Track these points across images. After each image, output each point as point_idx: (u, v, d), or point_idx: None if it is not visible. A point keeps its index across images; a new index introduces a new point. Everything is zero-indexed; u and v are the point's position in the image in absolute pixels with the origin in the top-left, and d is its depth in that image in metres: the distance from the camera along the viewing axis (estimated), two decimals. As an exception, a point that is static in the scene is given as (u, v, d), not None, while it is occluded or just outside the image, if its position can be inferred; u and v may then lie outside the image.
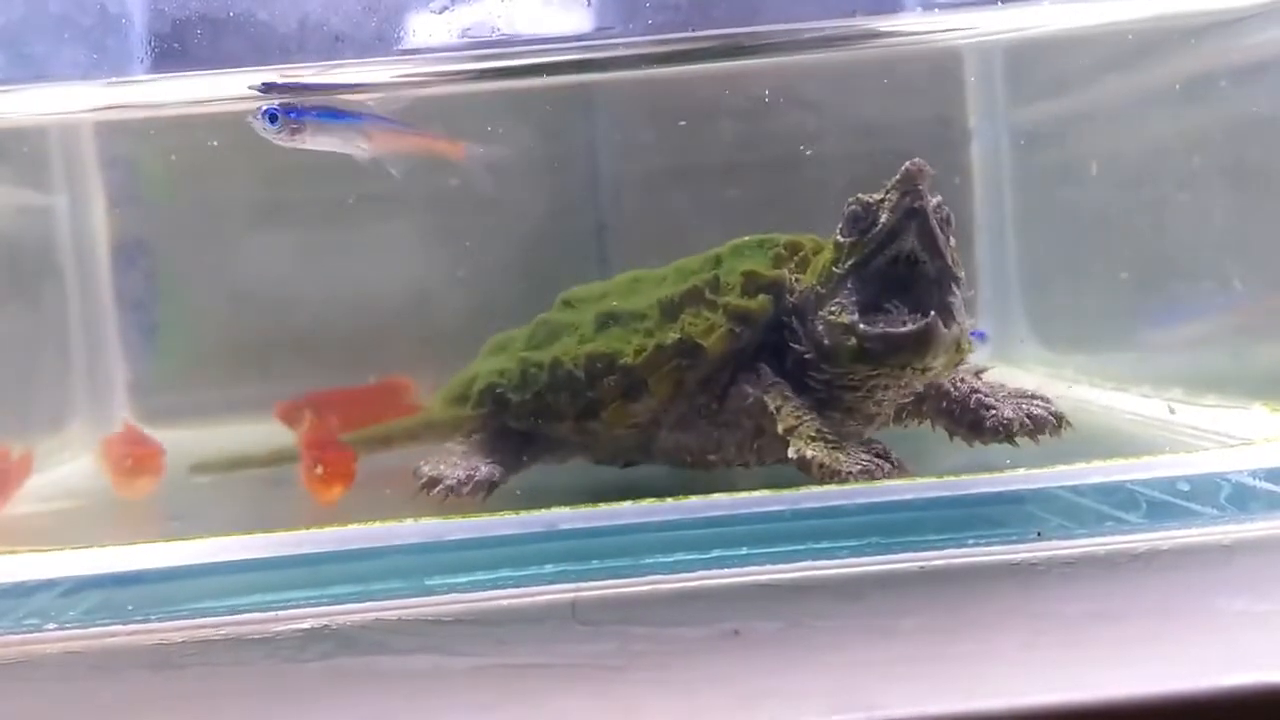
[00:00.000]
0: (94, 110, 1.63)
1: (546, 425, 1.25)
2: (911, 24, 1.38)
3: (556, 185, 1.82)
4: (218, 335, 1.86)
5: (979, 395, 1.17)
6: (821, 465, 1.04)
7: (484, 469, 1.20)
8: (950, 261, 1.05)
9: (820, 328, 1.09)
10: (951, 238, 1.06)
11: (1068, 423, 1.16)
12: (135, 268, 1.89)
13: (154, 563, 1.00)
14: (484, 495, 1.18)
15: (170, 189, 1.85)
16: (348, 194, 1.69)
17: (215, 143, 1.58)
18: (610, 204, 1.84)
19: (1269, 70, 1.35)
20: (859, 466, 1.03)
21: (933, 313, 1.02)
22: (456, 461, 1.23)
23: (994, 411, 1.16)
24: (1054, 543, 0.99)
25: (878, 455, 1.05)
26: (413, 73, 1.32)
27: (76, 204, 1.81)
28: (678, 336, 1.16)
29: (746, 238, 1.24)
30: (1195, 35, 1.43)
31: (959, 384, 1.19)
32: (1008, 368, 1.73)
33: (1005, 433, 1.15)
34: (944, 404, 1.18)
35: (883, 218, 1.05)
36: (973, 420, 1.17)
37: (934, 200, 1.04)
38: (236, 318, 1.84)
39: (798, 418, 1.08)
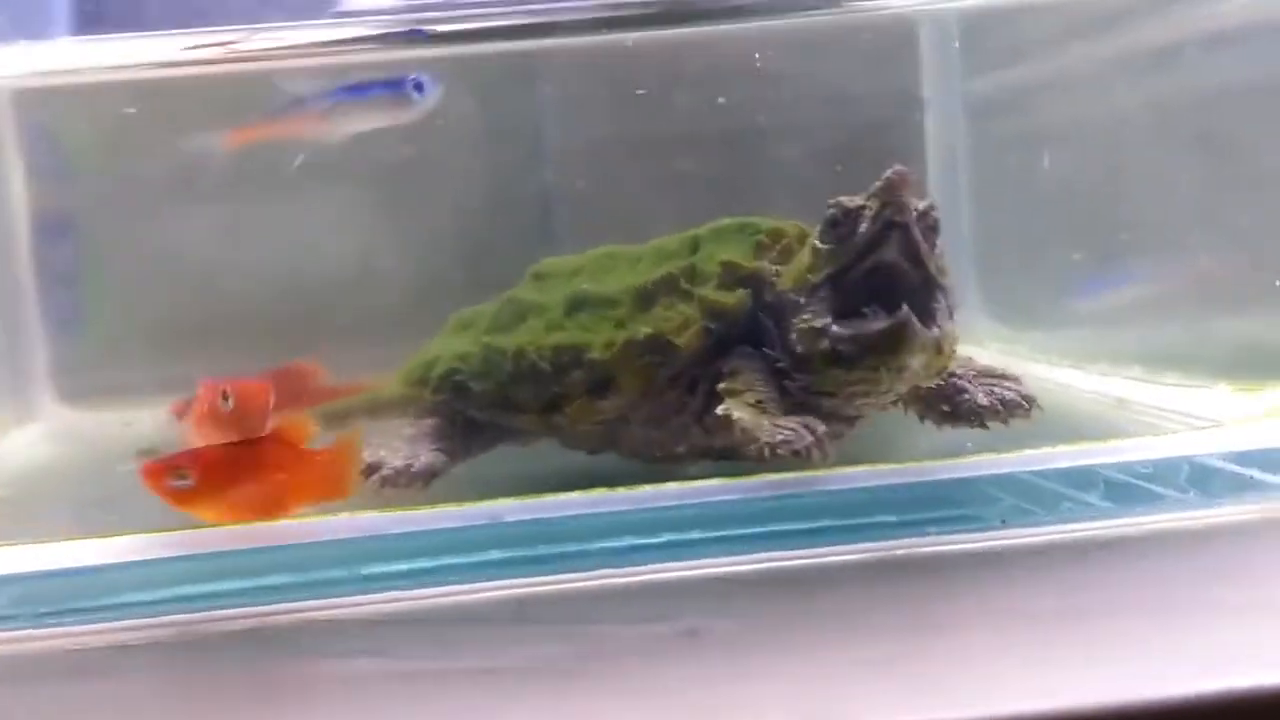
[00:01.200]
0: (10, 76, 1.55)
1: (508, 417, 1.19)
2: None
3: (502, 156, 1.75)
4: (148, 313, 1.77)
5: (953, 379, 1.13)
6: (744, 429, 0.98)
7: (425, 457, 1.14)
8: (934, 270, 1.00)
9: (793, 336, 1.04)
10: (937, 244, 1.01)
11: (1038, 405, 1.12)
12: (60, 243, 1.80)
13: (71, 561, 0.94)
14: (423, 484, 1.12)
15: (97, 160, 1.77)
16: (286, 165, 1.61)
17: (135, 110, 1.50)
18: (557, 176, 1.78)
19: (1227, 41, 1.32)
20: (781, 436, 0.97)
21: (905, 308, 0.97)
22: (399, 447, 1.17)
23: (967, 396, 1.12)
24: (1019, 530, 0.95)
25: (808, 428, 0.98)
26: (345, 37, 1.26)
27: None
28: (649, 332, 1.10)
29: (727, 220, 1.17)
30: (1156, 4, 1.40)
31: None
32: (962, 346, 1.71)
33: (978, 418, 1.11)
34: (917, 388, 1.14)
35: (863, 226, 0.99)
36: (945, 405, 1.13)
37: (922, 205, 0.99)
38: (167, 294, 1.76)
39: (746, 383, 1.04)
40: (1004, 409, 1.11)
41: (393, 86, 1.38)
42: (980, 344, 1.67)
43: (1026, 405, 1.12)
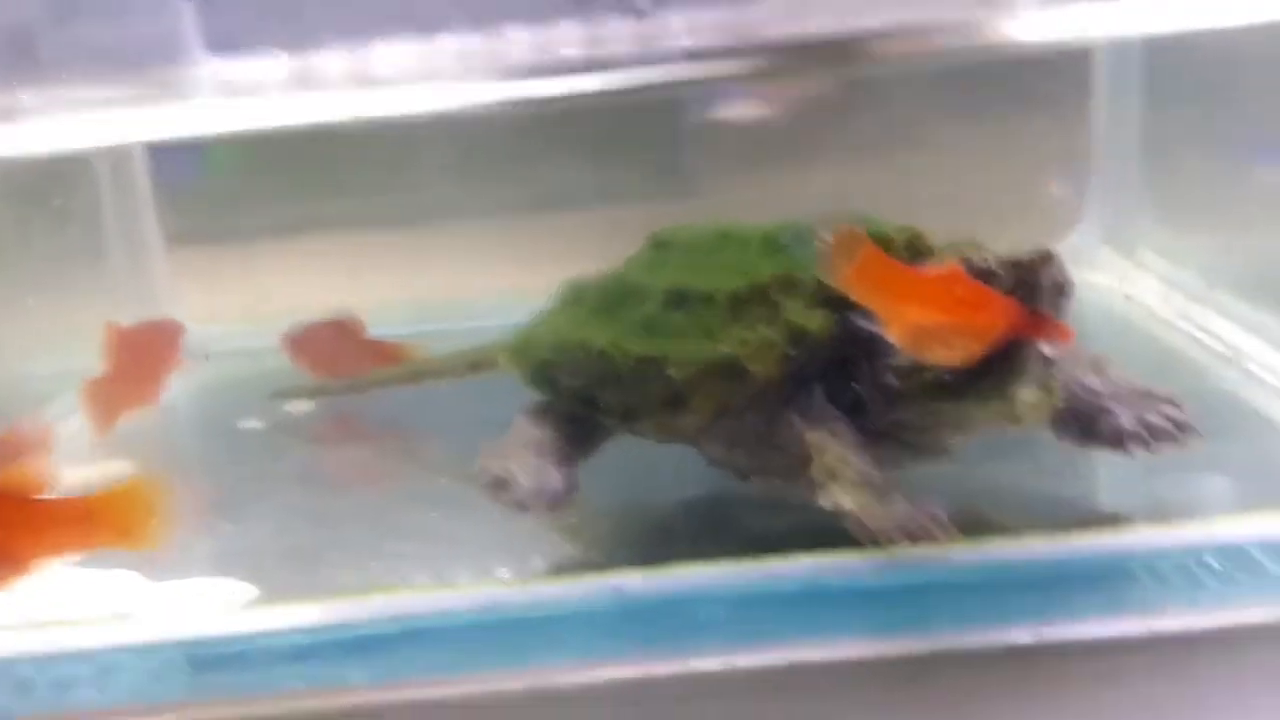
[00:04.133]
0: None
1: (596, 416, 1.13)
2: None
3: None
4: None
5: (1096, 395, 1.04)
6: (856, 519, 0.91)
7: (555, 476, 1.07)
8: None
9: (889, 376, 0.96)
10: (1065, 306, 0.90)
11: (1196, 432, 1.03)
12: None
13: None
14: (558, 510, 1.06)
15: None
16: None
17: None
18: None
19: None
20: (895, 523, 0.90)
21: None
22: (527, 459, 1.09)
23: (1110, 415, 1.03)
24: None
25: (925, 511, 0.92)
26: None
27: None
28: (725, 353, 1.02)
29: (838, 214, 1.07)
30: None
31: (1074, 380, 1.05)
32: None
33: (1119, 444, 1.03)
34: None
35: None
36: (1085, 423, 1.04)
37: (1056, 279, 0.89)
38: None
39: (841, 459, 0.95)
40: (1151, 436, 1.02)
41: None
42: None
43: (1181, 434, 1.02)
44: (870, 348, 0.97)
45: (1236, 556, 0.89)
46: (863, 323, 0.95)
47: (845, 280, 0.88)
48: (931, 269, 0.88)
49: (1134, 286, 1.59)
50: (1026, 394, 0.92)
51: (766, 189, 1.73)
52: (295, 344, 1.53)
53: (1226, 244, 1.49)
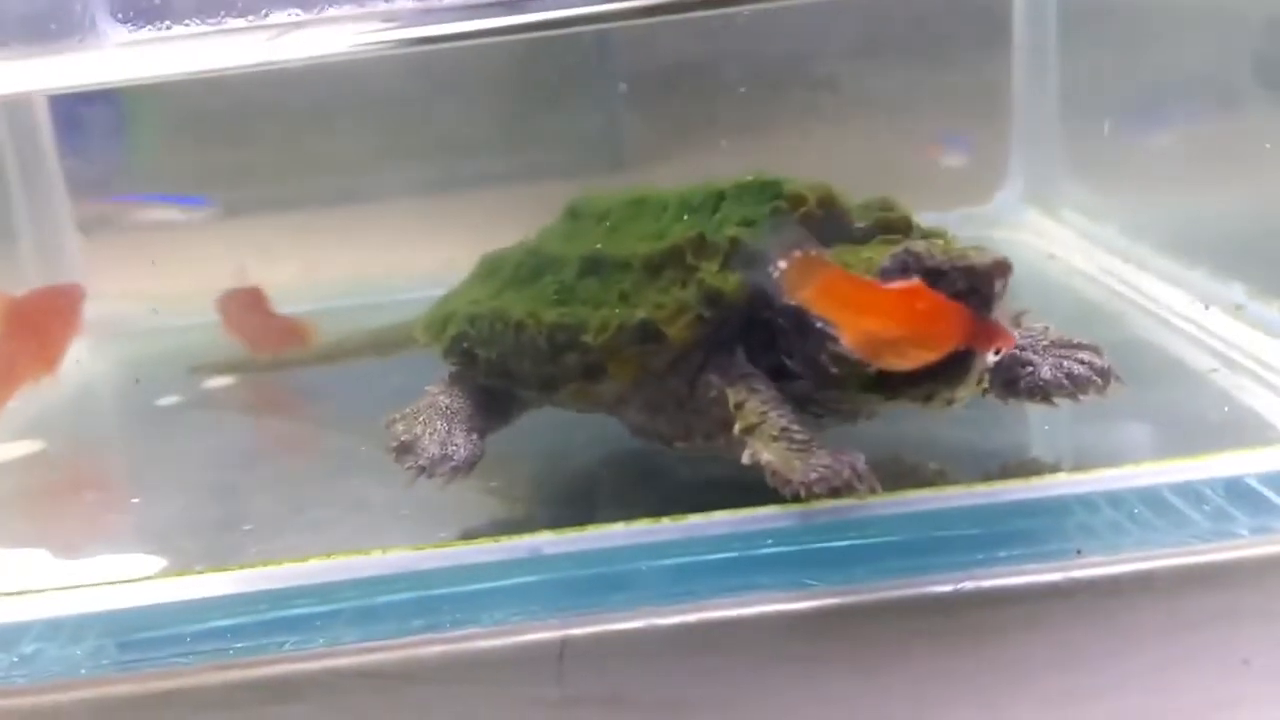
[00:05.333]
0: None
1: (512, 388, 1.12)
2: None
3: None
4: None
5: (1017, 350, 1.04)
6: (775, 471, 0.90)
7: (463, 446, 1.06)
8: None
9: (824, 356, 0.94)
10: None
11: (1118, 378, 1.03)
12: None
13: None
14: (463, 477, 1.04)
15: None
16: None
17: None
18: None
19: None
20: (815, 474, 0.88)
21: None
22: (436, 424, 1.09)
23: (1030, 369, 1.03)
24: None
25: (845, 463, 0.89)
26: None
27: None
28: (641, 317, 1.00)
29: (751, 177, 1.07)
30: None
31: None
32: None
33: (1042, 393, 1.03)
34: None
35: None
36: (1007, 377, 1.04)
37: (1004, 286, 0.89)
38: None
39: (761, 414, 0.94)
40: (1072, 384, 1.02)
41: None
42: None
43: (1101, 381, 1.02)
44: (801, 321, 0.96)
45: (1154, 501, 0.89)
46: (812, 318, 0.93)
47: (805, 299, 0.87)
48: (892, 283, 0.87)
49: (1057, 245, 1.60)
50: (962, 393, 0.93)
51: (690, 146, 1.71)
52: (224, 305, 1.51)
53: (1144, 200, 1.50)
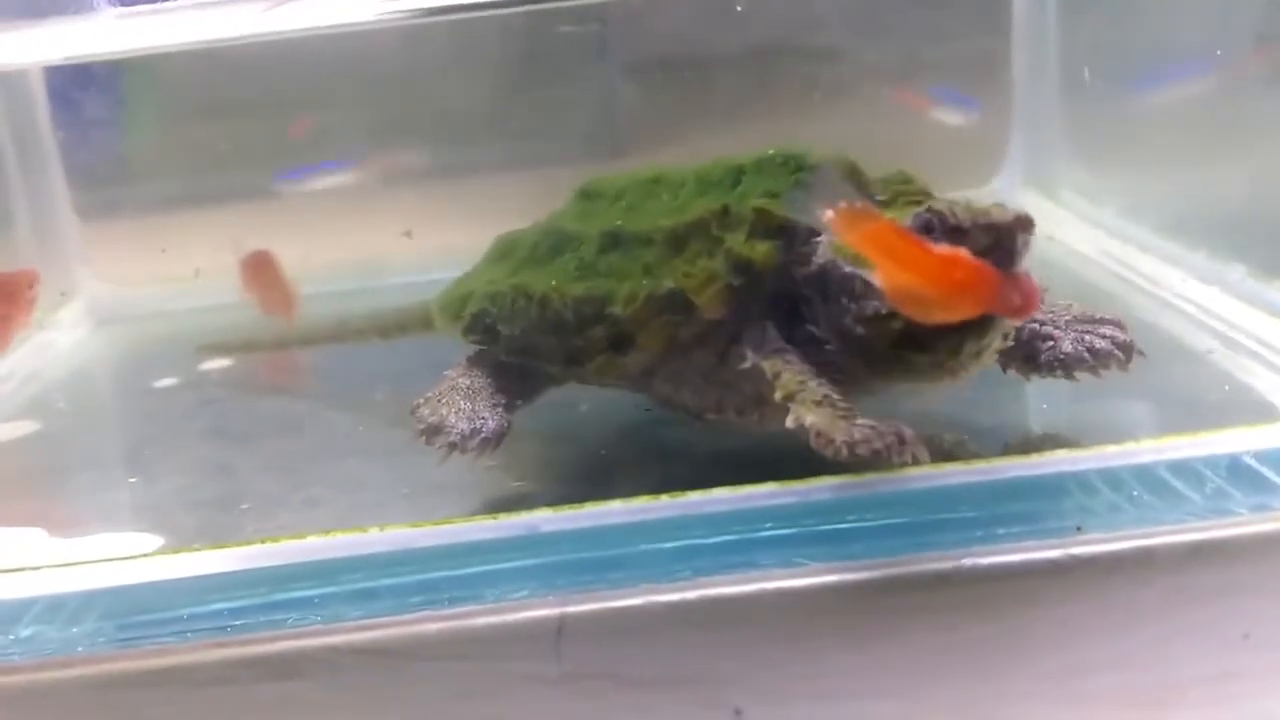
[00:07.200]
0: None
1: (537, 364, 1.12)
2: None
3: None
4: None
5: (1037, 324, 1.04)
6: (819, 433, 0.88)
7: (490, 420, 1.05)
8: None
9: (848, 320, 0.94)
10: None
11: (1139, 352, 1.02)
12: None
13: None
14: (492, 450, 1.04)
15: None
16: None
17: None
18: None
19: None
20: (860, 434, 0.86)
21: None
22: (460, 404, 1.08)
23: (1051, 344, 1.03)
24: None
25: (891, 429, 0.88)
26: None
27: None
28: (670, 287, 1.00)
29: (772, 150, 1.06)
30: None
31: None
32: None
33: (1063, 368, 1.02)
34: None
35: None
36: (1027, 352, 1.03)
37: (1026, 243, 0.88)
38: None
39: (800, 383, 0.93)
40: (1094, 358, 1.02)
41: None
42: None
43: (1123, 355, 1.02)
44: (825, 289, 0.96)
45: (1153, 480, 0.89)
46: (843, 263, 0.93)
47: (854, 243, 0.86)
48: (938, 246, 0.86)
49: (1057, 227, 1.59)
50: (990, 346, 0.92)
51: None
52: (243, 268, 1.52)
53: (1144, 181, 1.50)
